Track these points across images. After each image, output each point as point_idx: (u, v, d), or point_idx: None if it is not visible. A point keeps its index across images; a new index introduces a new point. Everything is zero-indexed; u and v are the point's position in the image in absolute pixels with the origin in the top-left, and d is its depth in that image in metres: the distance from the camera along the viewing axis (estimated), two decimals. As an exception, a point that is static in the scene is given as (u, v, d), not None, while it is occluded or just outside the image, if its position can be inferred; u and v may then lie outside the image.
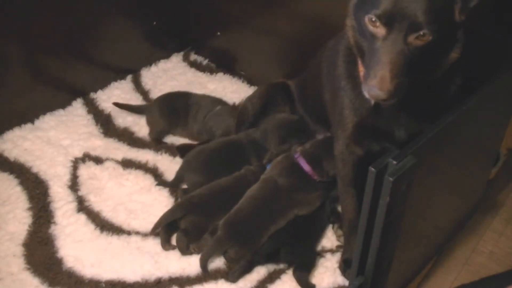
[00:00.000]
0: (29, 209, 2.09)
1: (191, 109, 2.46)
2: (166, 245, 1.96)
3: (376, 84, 1.36)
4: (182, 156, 2.31)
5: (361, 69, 1.60)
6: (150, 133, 2.48)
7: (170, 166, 2.32)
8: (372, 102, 1.59)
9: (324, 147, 2.02)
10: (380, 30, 1.39)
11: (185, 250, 1.92)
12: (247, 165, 2.15)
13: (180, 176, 2.16)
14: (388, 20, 1.37)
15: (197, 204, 1.97)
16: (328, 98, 1.92)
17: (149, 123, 2.51)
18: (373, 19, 1.39)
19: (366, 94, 1.41)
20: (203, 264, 1.86)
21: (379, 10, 1.37)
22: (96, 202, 2.14)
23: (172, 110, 2.46)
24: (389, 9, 1.36)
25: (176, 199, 2.16)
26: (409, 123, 1.65)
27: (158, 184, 2.21)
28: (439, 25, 1.38)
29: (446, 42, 1.47)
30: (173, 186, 2.19)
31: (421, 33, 1.36)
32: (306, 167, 2.00)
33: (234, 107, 2.54)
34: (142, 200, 2.16)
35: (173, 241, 1.98)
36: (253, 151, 2.22)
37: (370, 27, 1.41)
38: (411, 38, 1.37)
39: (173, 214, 1.96)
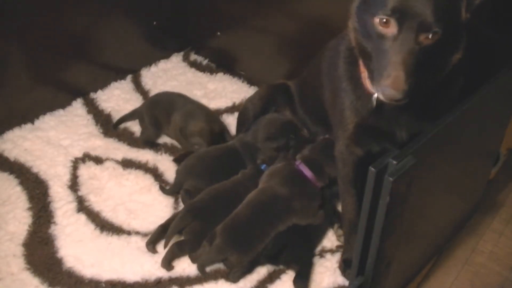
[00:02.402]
0: (29, 209, 2.09)
1: (173, 115, 2.42)
2: (150, 245, 1.93)
3: (390, 84, 1.34)
4: None
5: (363, 70, 1.59)
6: (141, 137, 2.46)
7: (170, 166, 2.32)
8: (375, 103, 1.59)
9: (323, 151, 2.01)
10: (390, 30, 1.38)
11: (167, 265, 1.88)
12: (244, 169, 2.14)
13: (180, 181, 2.15)
14: (400, 18, 1.36)
15: (201, 208, 1.95)
16: (328, 98, 1.92)
17: (141, 127, 2.50)
18: (385, 20, 1.38)
19: (380, 96, 1.40)
20: (201, 270, 1.86)
21: (388, 10, 1.36)
22: (96, 202, 2.14)
23: (160, 115, 2.44)
24: (398, 8, 1.35)
25: (176, 200, 2.16)
26: (410, 124, 1.65)
27: (161, 189, 2.19)
28: (447, 24, 1.38)
29: (453, 41, 1.47)
30: (173, 193, 2.18)
31: (432, 32, 1.36)
32: (308, 173, 1.98)
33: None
34: (142, 200, 2.17)
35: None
36: (247, 154, 2.22)
37: (380, 28, 1.39)
38: (422, 37, 1.37)
39: (183, 220, 1.92)
